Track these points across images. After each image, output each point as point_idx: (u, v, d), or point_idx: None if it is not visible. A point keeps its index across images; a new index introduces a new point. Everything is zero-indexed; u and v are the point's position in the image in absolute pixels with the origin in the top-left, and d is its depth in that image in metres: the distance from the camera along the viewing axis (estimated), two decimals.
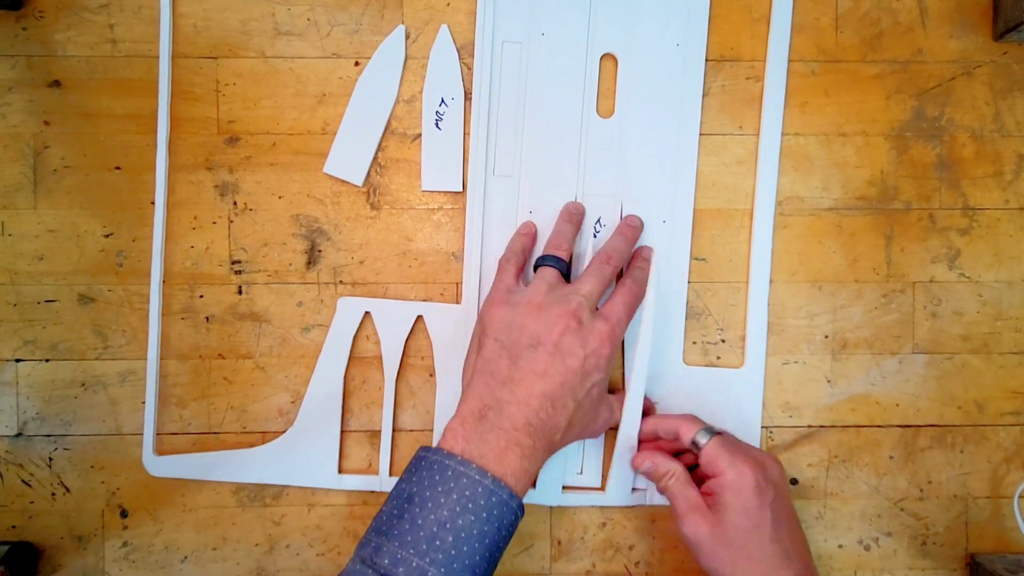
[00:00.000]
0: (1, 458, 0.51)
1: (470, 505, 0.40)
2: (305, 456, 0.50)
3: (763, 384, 0.52)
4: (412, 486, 0.41)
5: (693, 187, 0.51)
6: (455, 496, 0.40)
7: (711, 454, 0.45)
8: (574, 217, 0.50)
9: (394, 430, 0.51)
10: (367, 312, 0.51)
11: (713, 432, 0.46)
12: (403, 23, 0.51)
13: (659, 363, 0.51)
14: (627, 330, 0.48)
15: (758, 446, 0.51)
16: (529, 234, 0.50)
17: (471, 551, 0.40)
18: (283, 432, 0.51)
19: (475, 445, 0.42)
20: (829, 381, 0.52)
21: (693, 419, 0.47)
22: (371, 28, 0.51)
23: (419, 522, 0.40)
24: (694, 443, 0.46)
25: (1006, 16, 0.50)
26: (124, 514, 0.51)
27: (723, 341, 0.52)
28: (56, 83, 0.50)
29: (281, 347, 0.51)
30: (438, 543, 0.39)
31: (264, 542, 0.51)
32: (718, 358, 0.52)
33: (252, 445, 0.51)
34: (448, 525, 0.40)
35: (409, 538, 0.40)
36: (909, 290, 0.52)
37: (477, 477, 0.41)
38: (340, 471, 0.51)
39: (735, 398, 0.51)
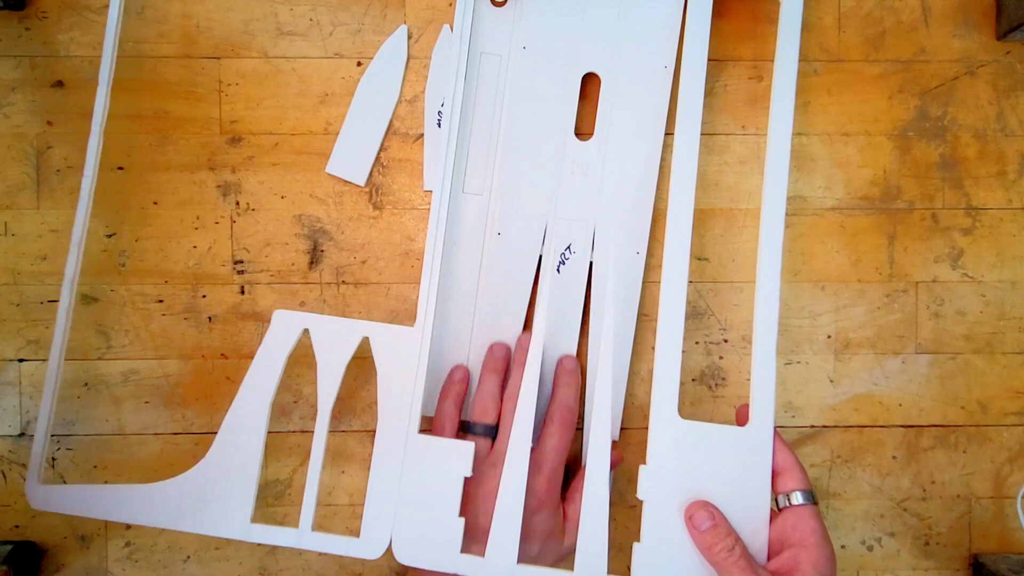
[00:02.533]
0: (4, 457, 0.51)
1: None
2: (214, 498, 0.44)
3: (771, 447, 0.44)
4: None
5: (690, 228, 0.46)
6: None
7: (810, 523, 0.41)
8: (498, 364, 0.48)
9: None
10: (305, 330, 0.45)
11: (813, 498, 0.43)
12: (405, 23, 0.51)
13: (653, 417, 0.45)
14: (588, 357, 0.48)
15: (768, 516, 0.44)
16: (460, 382, 0.48)
17: None
18: (284, 432, 0.51)
19: None
20: (832, 381, 0.52)
21: (801, 471, 0.43)
22: (373, 28, 0.51)
23: None
24: (792, 495, 0.42)
25: (1009, 15, 0.50)
26: None
27: (725, 341, 0.52)
28: (59, 83, 0.51)
29: None
30: None
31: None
32: (720, 358, 0.52)
33: None
34: None
35: None
36: (912, 290, 0.52)
37: None
38: (253, 519, 0.44)
39: (739, 461, 0.44)
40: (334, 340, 0.45)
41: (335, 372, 0.45)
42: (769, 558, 0.43)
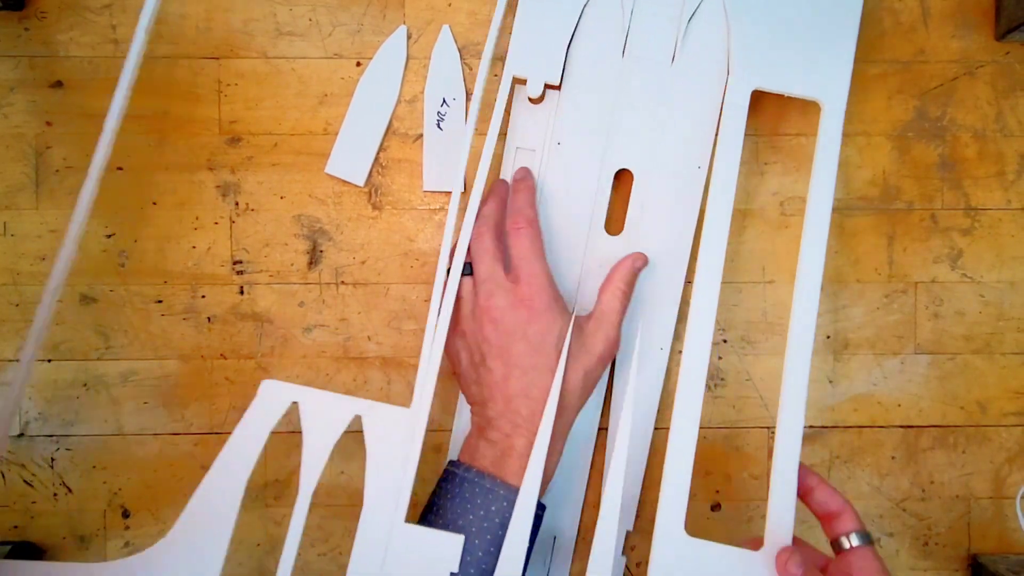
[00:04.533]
0: (3, 458, 0.51)
1: (468, 505, 0.42)
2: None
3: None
4: (433, 496, 0.45)
5: (711, 331, 0.45)
6: (458, 500, 0.43)
7: (873, 564, 0.40)
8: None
9: None
10: (294, 403, 0.43)
11: (869, 538, 0.41)
12: (405, 23, 0.51)
13: (657, 534, 0.42)
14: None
15: None
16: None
17: (473, 548, 0.42)
18: (284, 433, 0.51)
19: (478, 460, 0.44)
20: (831, 381, 0.52)
21: (854, 512, 0.42)
22: (373, 28, 0.51)
23: (433, 527, 0.43)
24: (850, 536, 0.41)
25: (1008, 16, 0.50)
26: (126, 514, 0.51)
27: (725, 342, 0.52)
28: (58, 83, 0.51)
29: (283, 347, 0.51)
30: None
31: (265, 542, 0.51)
32: (720, 358, 0.52)
33: None
34: (450, 527, 0.42)
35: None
36: (911, 290, 0.52)
37: (476, 479, 0.43)
38: None
39: None
40: (324, 416, 0.42)
41: (322, 450, 0.42)
42: None
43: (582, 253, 0.49)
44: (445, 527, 0.42)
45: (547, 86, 0.48)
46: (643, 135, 0.49)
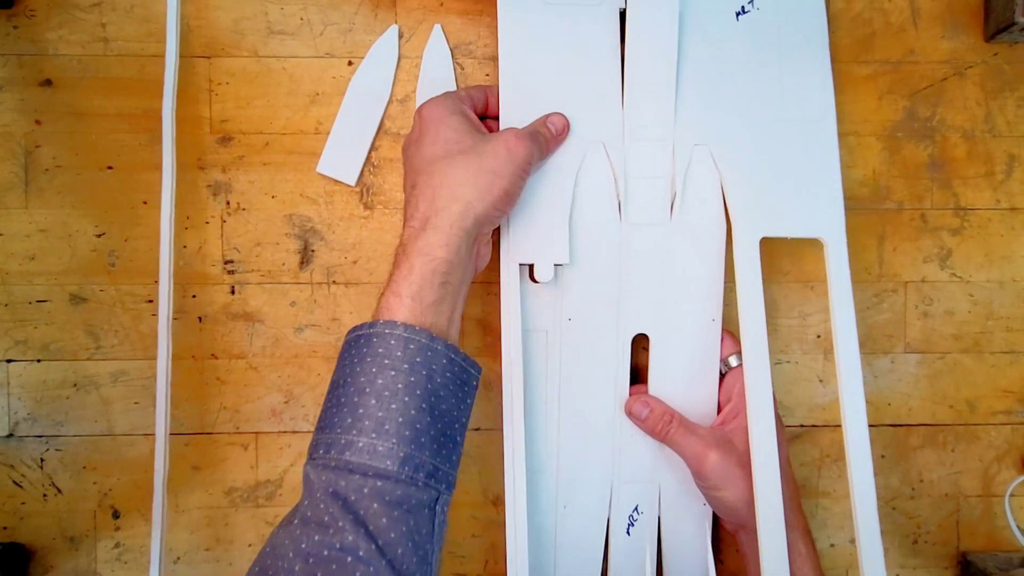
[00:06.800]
0: None
1: (385, 362, 0.38)
2: None
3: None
4: (336, 373, 0.40)
5: (778, 484, 0.44)
6: (368, 360, 0.38)
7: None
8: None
9: None
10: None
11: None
12: (396, 23, 0.51)
13: None
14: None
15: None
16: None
17: (401, 407, 0.37)
18: (276, 433, 0.51)
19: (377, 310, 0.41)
20: (821, 381, 0.52)
21: (733, 338, 0.49)
22: (364, 27, 0.51)
23: (342, 400, 0.38)
24: (729, 359, 0.48)
25: (997, 17, 0.50)
26: (116, 515, 0.51)
27: None
28: (47, 82, 0.50)
29: (274, 347, 0.51)
30: (361, 411, 0.37)
31: (257, 542, 0.51)
32: None
33: (245, 446, 0.51)
34: (367, 390, 0.38)
35: (336, 419, 0.38)
36: (901, 290, 0.52)
37: (386, 331, 0.38)
38: None
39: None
40: None
41: None
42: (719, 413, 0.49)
43: (613, 424, 0.48)
44: (361, 392, 0.38)
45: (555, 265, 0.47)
46: (653, 296, 0.48)
